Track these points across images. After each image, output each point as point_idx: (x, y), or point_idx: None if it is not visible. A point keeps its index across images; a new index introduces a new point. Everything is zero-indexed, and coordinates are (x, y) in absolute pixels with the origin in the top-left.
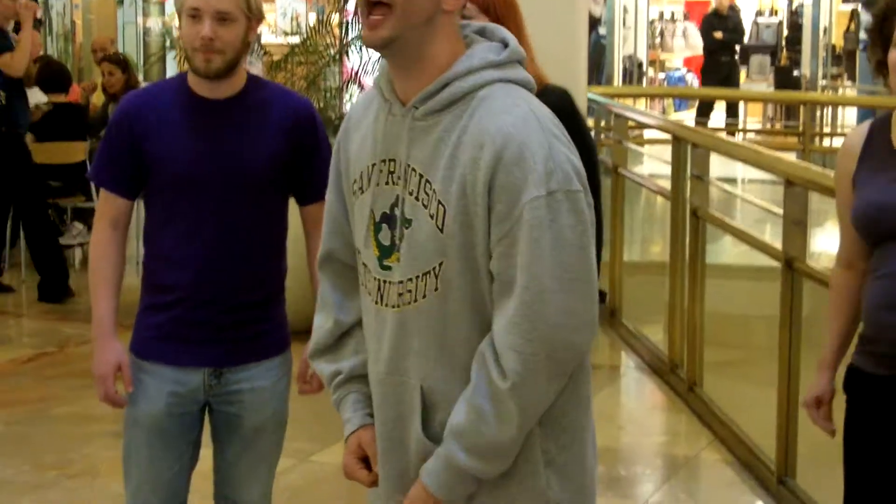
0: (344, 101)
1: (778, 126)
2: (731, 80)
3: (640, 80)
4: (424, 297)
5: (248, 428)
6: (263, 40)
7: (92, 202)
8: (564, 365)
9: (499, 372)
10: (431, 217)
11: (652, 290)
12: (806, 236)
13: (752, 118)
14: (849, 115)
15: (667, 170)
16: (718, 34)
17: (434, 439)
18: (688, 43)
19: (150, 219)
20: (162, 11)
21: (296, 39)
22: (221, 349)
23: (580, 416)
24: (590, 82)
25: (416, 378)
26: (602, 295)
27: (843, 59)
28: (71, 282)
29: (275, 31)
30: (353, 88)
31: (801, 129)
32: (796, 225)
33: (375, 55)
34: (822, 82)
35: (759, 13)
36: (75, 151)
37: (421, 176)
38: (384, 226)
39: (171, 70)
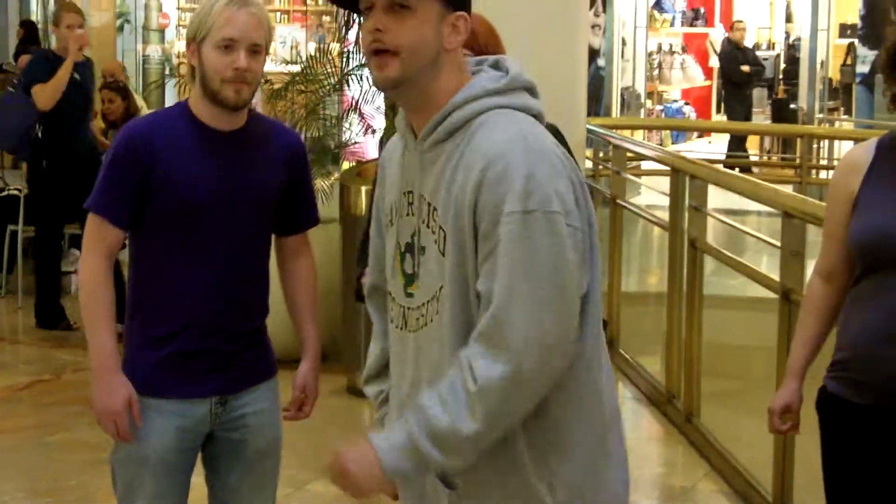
0: (343, 129)
1: (775, 158)
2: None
3: (637, 112)
4: (431, 320)
5: (251, 451)
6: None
7: None
8: (533, 381)
9: (470, 376)
10: (436, 243)
11: (649, 321)
12: (803, 268)
13: (749, 150)
14: (845, 148)
15: (665, 201)
16: (746, 68)
17: None
18: (686, 75)
19: (147, 250)
20: (161, 39)
21: (296, 68)
22: (226, 376)
23: (586, 436)
24: (588, 113)
25: None
26: (603, 324)
27: (839, 93)
28: (67, 309)
29: (275, 60)
30: (353, 117)
31: (797, 161)
32: (793, 256)
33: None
34: (818, 115)
35: (757, 46)
36: None
37: (429, 204)
38: (407, 255)
39: (171, 97)
